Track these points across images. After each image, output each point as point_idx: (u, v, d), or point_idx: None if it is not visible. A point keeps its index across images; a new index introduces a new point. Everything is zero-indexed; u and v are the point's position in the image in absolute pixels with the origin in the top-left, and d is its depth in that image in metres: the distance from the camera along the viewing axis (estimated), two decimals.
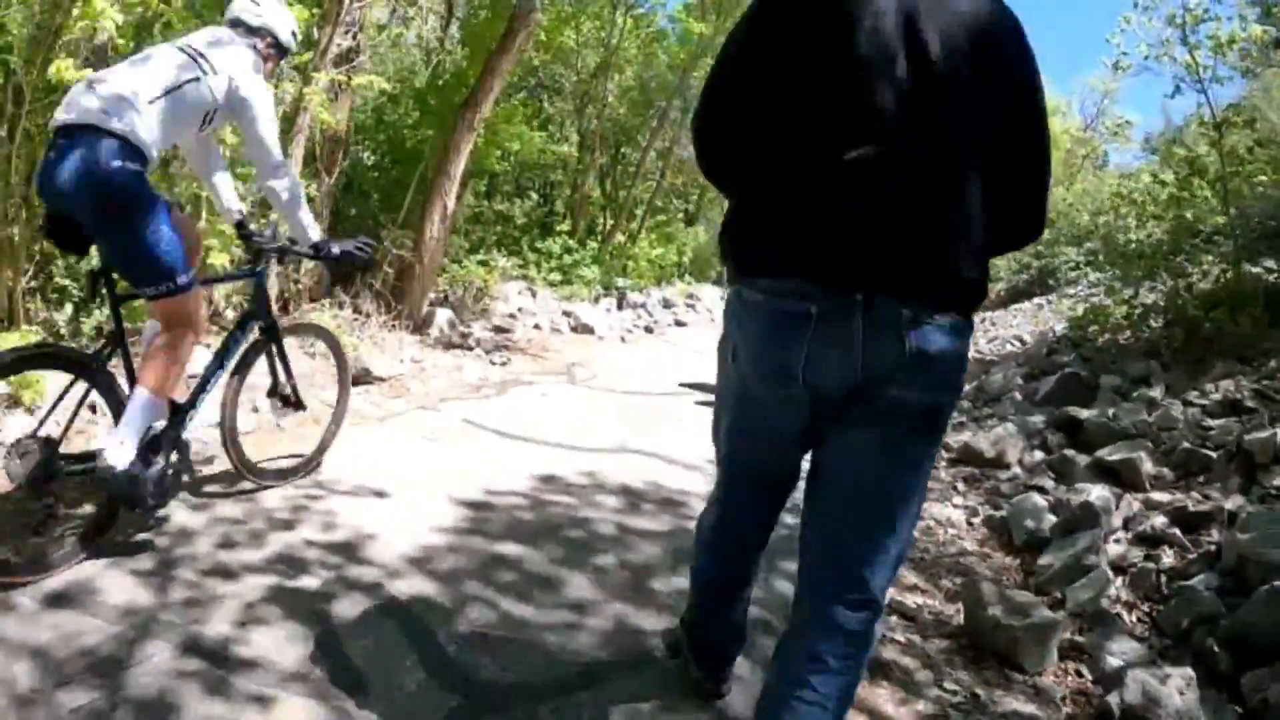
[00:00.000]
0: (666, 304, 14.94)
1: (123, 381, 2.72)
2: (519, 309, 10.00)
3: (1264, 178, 7.84)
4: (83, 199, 2.46)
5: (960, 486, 4.93)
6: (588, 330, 9.82)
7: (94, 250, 2.82)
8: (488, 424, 5.02)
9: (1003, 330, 11.10)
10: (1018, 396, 7.31)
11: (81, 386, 2.60)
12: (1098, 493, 4.06)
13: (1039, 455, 5.52)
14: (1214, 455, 4.47)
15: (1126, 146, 20.71)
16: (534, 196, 16.65)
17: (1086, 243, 15.13)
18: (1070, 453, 5.18)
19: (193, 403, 2.94)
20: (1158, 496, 4.19)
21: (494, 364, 6.98)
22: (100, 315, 4.45)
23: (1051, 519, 3.98)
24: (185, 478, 3.22)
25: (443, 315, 7.72)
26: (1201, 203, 8.20)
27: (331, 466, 3.76)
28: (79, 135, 2.44)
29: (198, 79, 2.68)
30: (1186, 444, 4.64)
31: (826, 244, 1.41)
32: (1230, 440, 4.58)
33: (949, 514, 4.38)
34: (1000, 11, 1.49)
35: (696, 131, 1.66)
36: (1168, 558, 3.53)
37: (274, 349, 3.37)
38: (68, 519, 2.78)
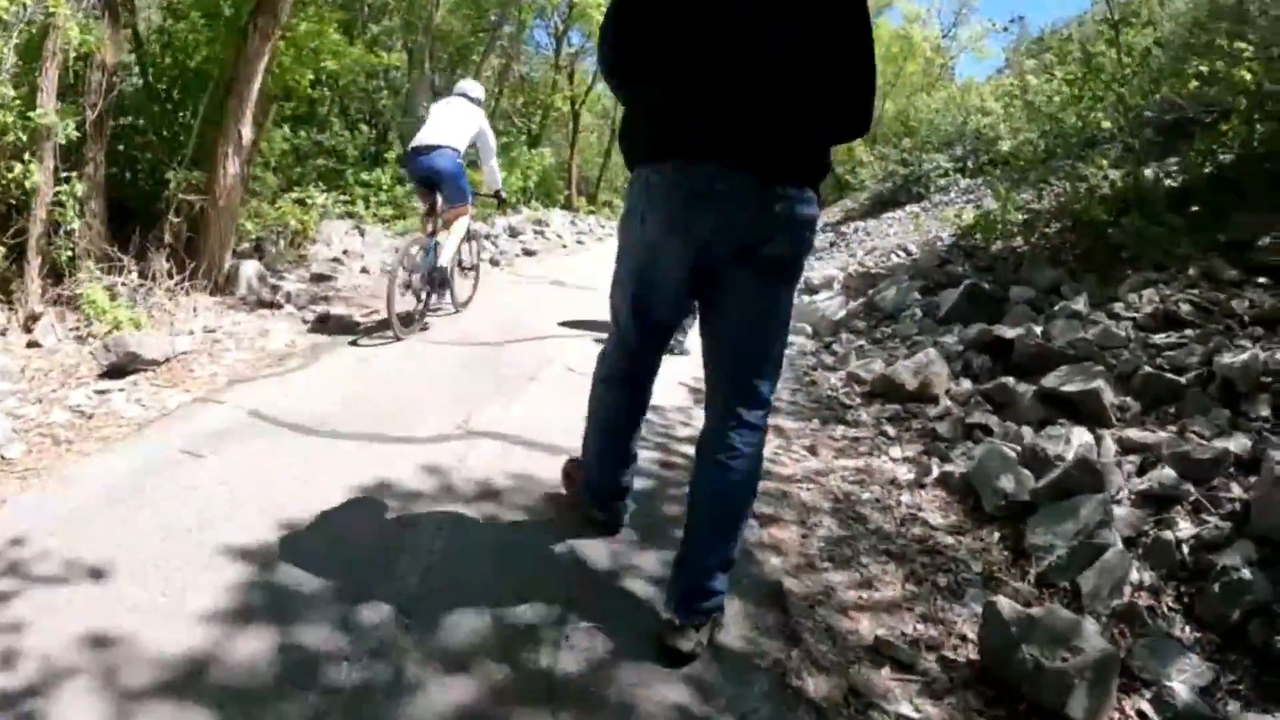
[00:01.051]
0: (513, 232, 13.59)
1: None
2: (345, 251, 8.47)
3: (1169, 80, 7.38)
4: (438, 175, 5.63)
5: (890, 431, 4.11)
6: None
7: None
8: (284, 415, 3.67)
9: (881, 241, 10.55)
10: (918, 314, 6.65)
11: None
12: (1081, 439, 3.31)
13: (967, 384, 4.81)
14: (1181, 381, 3.82)
15: (984, 57, 20.67)
16: (364, 129, 14.68)
17: (951, 148, 14.90)
18: (1009, 381, 4.48)
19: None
20: (1134, 435, 3.51)
21: (306, 323, 5.62)
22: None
23: (1028, 476, 3.19)
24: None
25: (249, 268, 6.26)
26: (1094, 103, 7.70)
27: (42, 525, 2.48)
28: (433, 149, 5.59)
29: (476, 117, 5.97)
30: (1147, 368, 3.98)
31: (721, 133, 1.91)
32: (1194, 362, 3.97)
33: (892, 471, 3.54)
34: None
35: (609, 41, 2.08)
36: (1185, 523, 2.80)
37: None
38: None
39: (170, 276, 5.59)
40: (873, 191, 16.45)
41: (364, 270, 7.97)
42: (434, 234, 5.73)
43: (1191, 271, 5.34)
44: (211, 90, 6.21)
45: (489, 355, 5.10)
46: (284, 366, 4.51)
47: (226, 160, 5.80)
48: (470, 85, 6.22)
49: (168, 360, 4.24)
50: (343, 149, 13.11)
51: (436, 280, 5.65)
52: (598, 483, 2.60)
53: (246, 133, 5.85)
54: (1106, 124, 7.72)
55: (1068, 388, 4.02)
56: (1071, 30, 13.62)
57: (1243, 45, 6.13)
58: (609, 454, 2.54)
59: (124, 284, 5.17)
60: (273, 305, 5.84)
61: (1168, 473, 2.99)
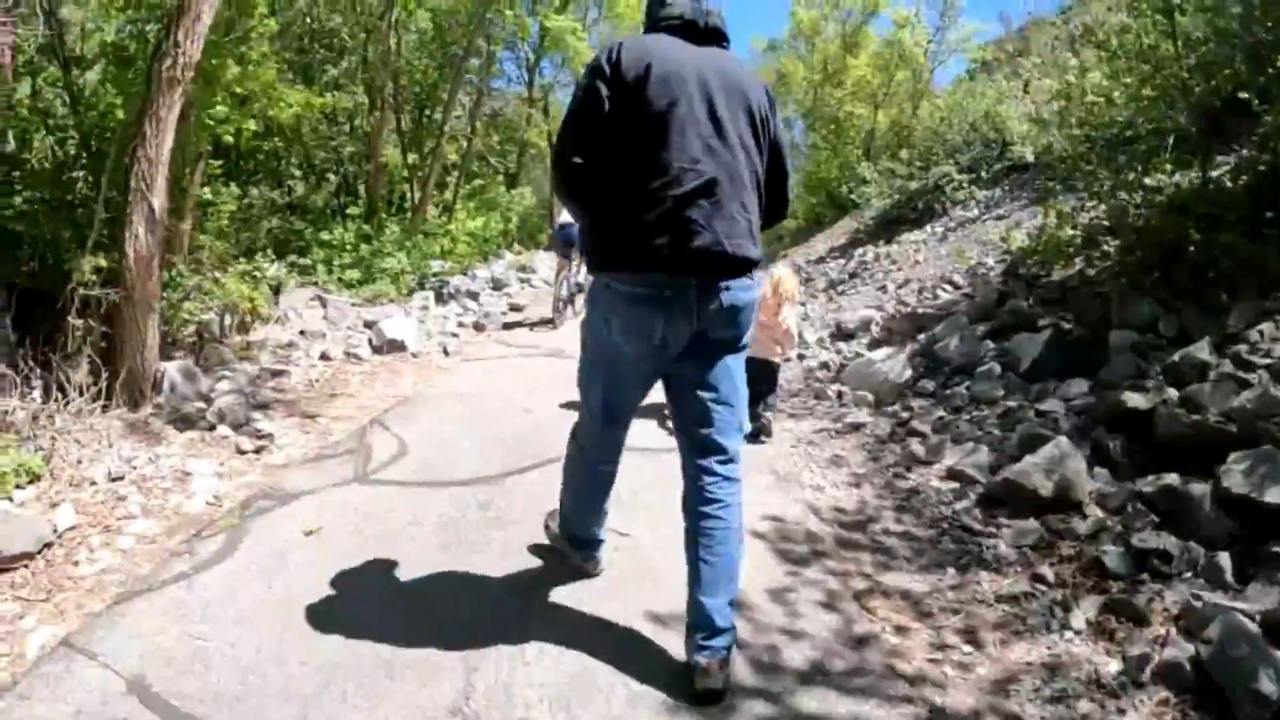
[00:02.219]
0: (497, 285, 12.64)
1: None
2: (302, 331, 7.42)
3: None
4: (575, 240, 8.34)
5: (1046, 573, 3.04)
6: (396, 348, 7.48)
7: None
8: (176, 688, 2.30)
9: (912, 270, 9.57)
10: (996, 369, 5.65)
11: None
12: None
13: (1107, 479, 3.79)
14: None
15: (975, 56, 19.79)
16: (331, 179, 13.74)
17: (957, 156, 13.96)
18: (1172, 480, 3.47)
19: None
20: None
21: (243, 452, 4.43)
22: None
23: None
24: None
25: (174, 373, 5.17)
26: (1156, 99, 6.74)
27: None
28: (570, 224, 8.58)
29: None
30: None
31: (669, 248, 2.23)
32: None
33: (1089, 663, 2.48)
34: (758, 77, 2.58)
35: (564, 164, 2.36)
36: None
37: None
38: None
39: (82, 391, 4.52)
40: (879, 210, 15.48)
41: (324, 356, 6.92)
42: (566, 268, 9.60)
43: None
44: (115, 154, 5.16)
45: (495, 503, 3.72)
46: (195, 557, 3.09)
47: (136, 240, 4.70)
48: None
49: (43, 550, 3.10)
50: (301, 204, 12.15)
51: (575, 293, 9.59)
52: (576, 537, 2.97)
53: (158, 203, 4.76)
54: (1164, 122, 6.75)
55: (1272, 497, 3.02)
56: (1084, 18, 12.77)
57: None
58: (585, 513, 2.90)
59: (22, 406, 4.10)
60: (198, 424, 4.71)
61: None
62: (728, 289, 2.31)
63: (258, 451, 4.41)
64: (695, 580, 2.34)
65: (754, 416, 4.74)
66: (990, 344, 6.18)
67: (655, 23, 2.44)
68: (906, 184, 14.48)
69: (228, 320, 6.63)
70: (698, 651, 2.27)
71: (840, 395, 5.94)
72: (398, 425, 4.91)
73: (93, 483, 3.72)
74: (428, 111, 15.74)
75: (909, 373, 5.98)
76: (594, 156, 2.30)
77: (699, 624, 2.29)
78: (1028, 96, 13.35)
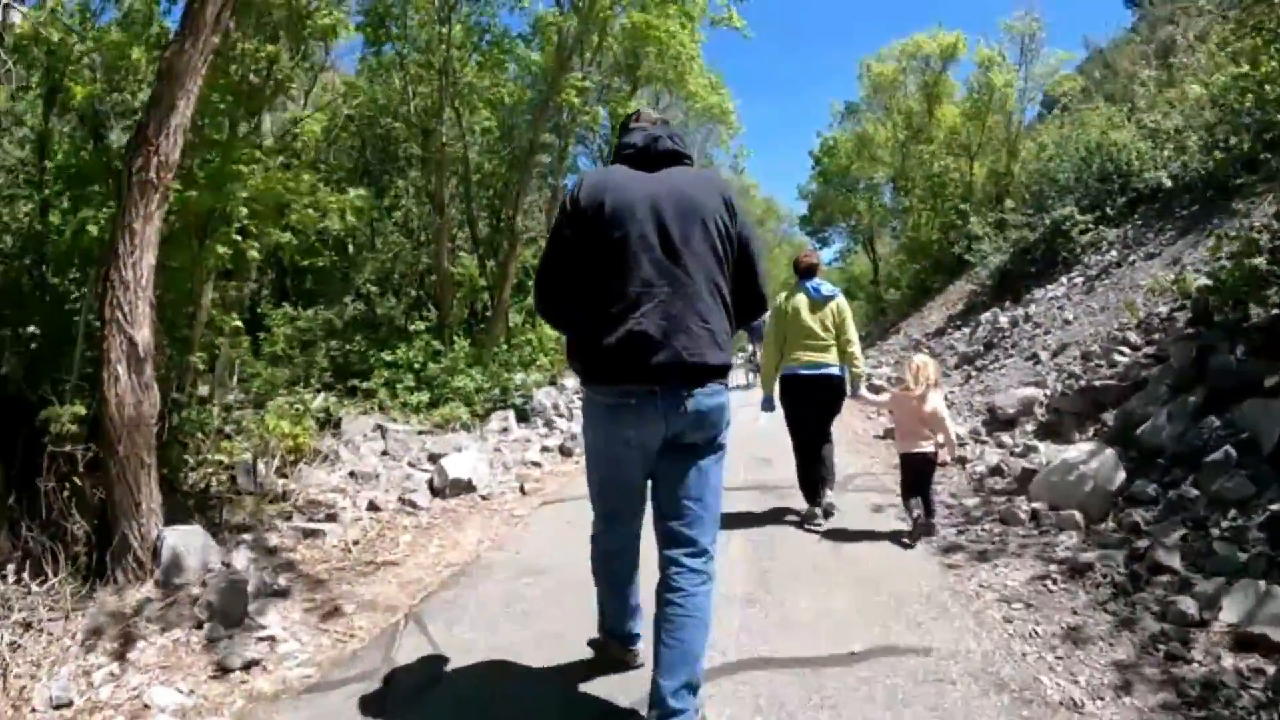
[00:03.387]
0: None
1: None
2: (352, 473, 6.61)
3: None
4: None
5: None
6: (462, 489, 6.38)
7: None
8: None
9: (1064, 331, 8.21)
10: (1231, 454, 4.39)
11: None
12: None
13: None
14: None
15: (1066, 90, 18.37)
16: (400, 295, 13.50)
17: (1071, 195, 12.62)
18: None
19: None
20: None
21: (226, 671, 3.27)
22: None
23: None
24: None
25: (175, 541, 4.01)
26: None
27: None
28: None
29: None
30: None
31: (632, 364, 2.43)
32: None
33: None
34: (717, 188, 2.61)
35: (539, 293, 2.70)
36: None
37: None
38: None
39: (75, 562, 3.73)
40: (996, 266, 14.18)
41: (372, 506, 5.87)
42: None
43: None
44: (94, 278, 4.47)
45: None
46: None
47: (115, 382, 3.87)
48: None
49: None
50: (366, 322, 11.76)
51: None
52: (613, 630, 3.06)
53: (141, 335, 3.93)
54: None
55: None
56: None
57: None
58: (615, 608, 3.02)
59: None
60: (187, 620, 3.61)
61: None
62: (692, 396, 2.47)
63: (247, 668, 3.29)
64: (656, 663, 2.45)
65: (911, 511, 4.60)
66: (1214, 420, 4.88)
67: (617, 153, 2.73)
68: (1024, 234, 13.20)
69: (262, 466, 5.85)
70: None
71: (1036, 515, 4.73)
72: (440, 625, 3.70)
73: (33, 710, 2.89)
74: (502, 215, 15.55)
75: (1121, 474, 4.73)
76: (565, 285, 2.59)
77: (654, 703, 2.39)
78: (1150, 114, 12.07)
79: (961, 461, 6.28)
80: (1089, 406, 6.36)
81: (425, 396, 9.70)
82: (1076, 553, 4.13)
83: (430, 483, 6.52)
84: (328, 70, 14.67)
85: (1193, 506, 4.27)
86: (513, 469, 7.35)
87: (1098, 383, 6.37)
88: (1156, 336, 6.58)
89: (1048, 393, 7.02)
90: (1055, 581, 3.83)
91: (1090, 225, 11.64)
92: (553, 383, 12.79)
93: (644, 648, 2.92)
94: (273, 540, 4.98)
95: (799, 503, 5.22)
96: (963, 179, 19.81)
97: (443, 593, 4.20)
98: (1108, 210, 11.77)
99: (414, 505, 6.02)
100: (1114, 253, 10.28)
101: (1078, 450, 4.94)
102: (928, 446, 4.64)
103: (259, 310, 11.61)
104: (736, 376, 9.41)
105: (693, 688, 2.43)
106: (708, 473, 2.59)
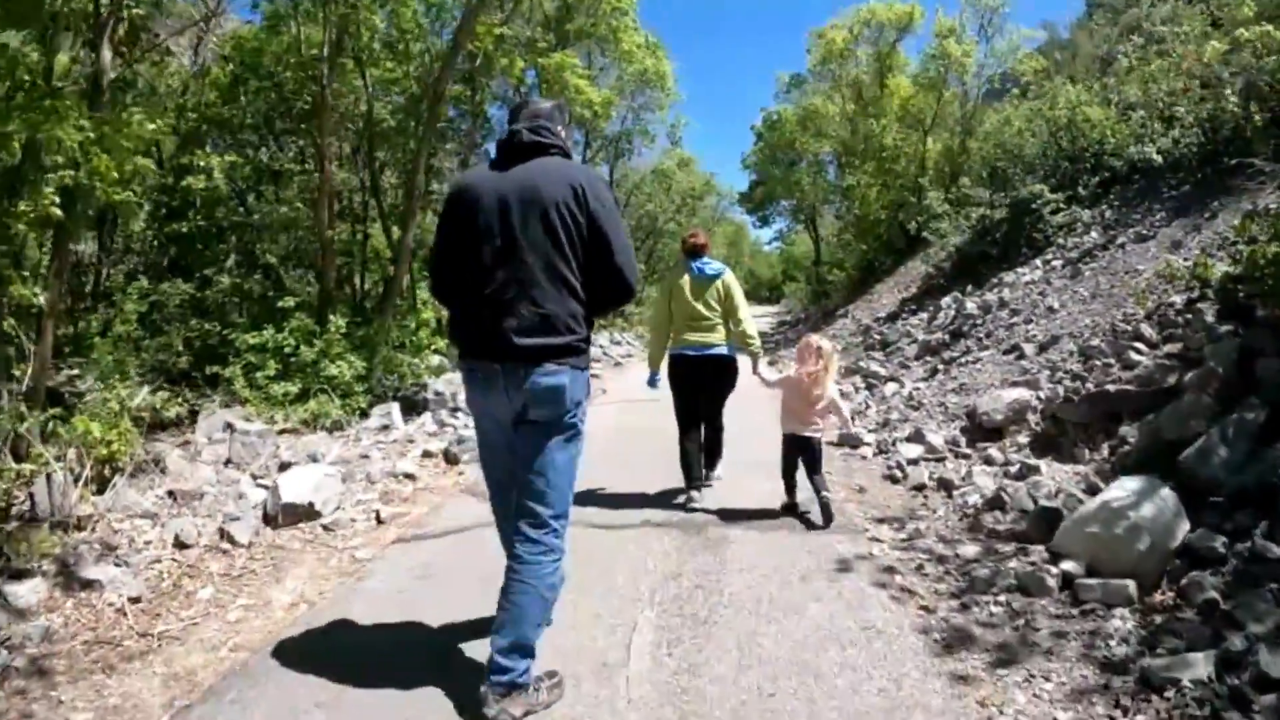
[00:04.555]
0: None
1: None
2: (170, 493, 4.96)
3: None
4: None
5: None
6: (301, 515, 4.84)
7: None
8: None
9: (1063, 325, 6.87)
10: None
11: None
12: None
13: None
14: None
15: (1028, 69, 17.27)
16: (282, 269, 11.70)
17: (1036, 173, 11.56)
18: None
19: None
20: None
21: None
22: None
23: None
24: None
25: None
26: None
27: None
28: None
29: None
30: None
31: (479, 339, 2.70)
32: None
33: None
34: (566, 177, 2.68)
35: (431, 277, 3.01)
36: None
37: None
38: None
39: None
40: (957, 246, 13.03)
41: (179, 543, 4.30)
42: None
43: None
44: None
45: None
46: None
47: None
48: None
49: None
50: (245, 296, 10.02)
51: None
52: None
53: None
54: None
55: None
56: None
57: None
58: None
59: None
60: None
61: None
62: (528, 374, 2.62)
63: None
64: (495, 624, 2.64)
65: (789, 489, 4.73)
66: (1252, 416, 3.65)
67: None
68: (988, 213, 12.05)
69: (63, 480, 4.26)
70: (483, 682, 2.59)
71: (1069, 582, 3.40)
72: None
73: None
74: (395, 169, 13.81)
75: (1185, 525, 3.44)
76: (442, 270, 2.90)
77: (489, 660, 2.60)
78: (1131, 87, 10.96)
79: (947, 487, 4.95)
80: (1100, 417, 5.10)
81: (294, 387, 7.97)
82: (1141, 652, 2.82)
83: (265, 505, 4.95)
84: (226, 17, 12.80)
85: (1277, 569, 3.04)
86: (378, 483, 5.76)
87: (1111, 387, 5.10)
88: (1178, 332, 5.34)
89: (1042, 396, 5.75)
90: (1116, 705, 2.50)
91: (1062, 205, 10.54)
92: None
93: None
94: (36, 594, 3.49)
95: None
96: (915, 154, 18.64)
97: (211, 703, 2.73)
98: (1080, 190, 10.69)
99: (232, 540, 4.46)
100: (1094, 234, 9.13)
101: (1122, 490, 3.60)
102: (813, 432, 4.61)
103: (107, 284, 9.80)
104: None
105: (522, 650, 2.61)
106: (552, 450, 2.71)
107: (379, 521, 4.92)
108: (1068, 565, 3.45)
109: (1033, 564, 3.60)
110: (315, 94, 10.21)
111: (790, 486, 4.68)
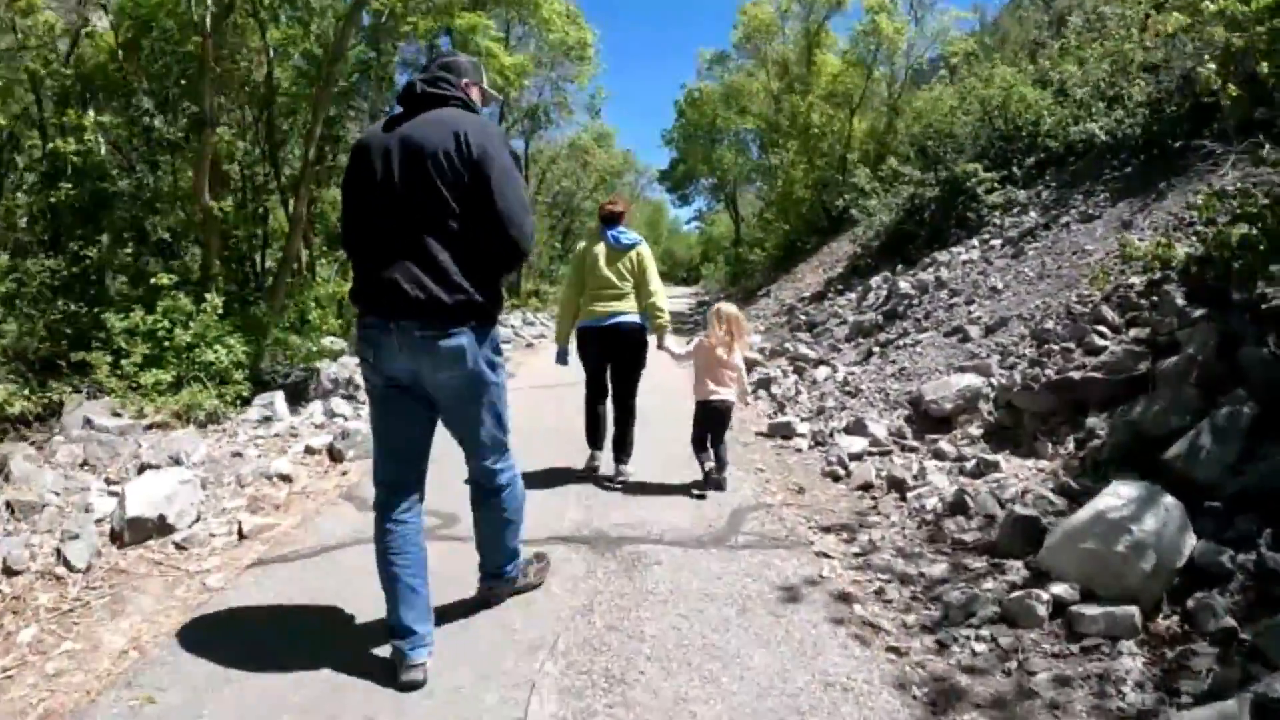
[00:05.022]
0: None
1: None
2: (8, 504, 4.05)
3: None
4: None
5: None
6: (150, 531, 3.99)
7: None
8: None
9: (1010, 306, 6.40)
10: None
11: None
12: None
13: None
14: None
15: (958, 50, 17.04)
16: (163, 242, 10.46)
17: (967, 152, 11.28)
18: None
19: None
20: None
21: None
22: None
23: None
24: None
25: None
26: None
27: None
28: None
29: None
30: None
31: (372, 296, 2.61)
32: None
33: None
34: (450, 126, 2.56)
35: (343, 237, 2.84)
36: None
37: None
38: None
39: None
40: (885, 225, 12.66)
41: (6, 569, 3.46)
42: None
43: None
44: None
45: None
46: None
47: None
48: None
49: None
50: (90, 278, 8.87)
51: None
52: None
53: None
54: None
55: None
56: None
57: None
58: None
59: None
60: None
61: None
62: (418, 332, 2.55)
63: None
64: (478, 539, 3.02)
65: (703, 463, 4.61)
66: None
67: None
68: (921, 191, 11.68)
69: None
70: (483, 578, 3.06)
71: (1060, 609, 2.84)
72: None
73: None
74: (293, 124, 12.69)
75: (1191, 539, 2.92)
76: (346, 228, 2.81)
77: (482, 569, 3.06)
78: (1064, 71, 10.72)
79: (898, 487, 4.36)
80: (1062, 405, 4.62)
81: (167, 375, 6.90)
82: (1161, 700, 2.28)
83: (114, 519, 4.05)
84: None
85: None
86: (249, 487, 4.89)
87: (1076, 374, 4.62)
88: (1143, 315, 4.90)
89: (994, 382, 5.26)
90: None
91: (997, 184, 10.22)
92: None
93: None
94: None
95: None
96: (842, 133, 18.27)
97: None
98: (1014, 170, 10.40)
99: (67, 565, 3.61)
100: (1033, 214, 8.79)
101: (1116, 498, 3.04)
102: (727, 394, 4.60)
103: None
104: None
105: (512, 555, 3.01)
106: (468, 406, 2.71)
107: (241, 537, 4.06)
108: (1059, 589, 2.88)
109: (1011, 583, 3.04)
110: (196, 45, 8.99)
111: (703, 457, 4.60)
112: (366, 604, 2.94)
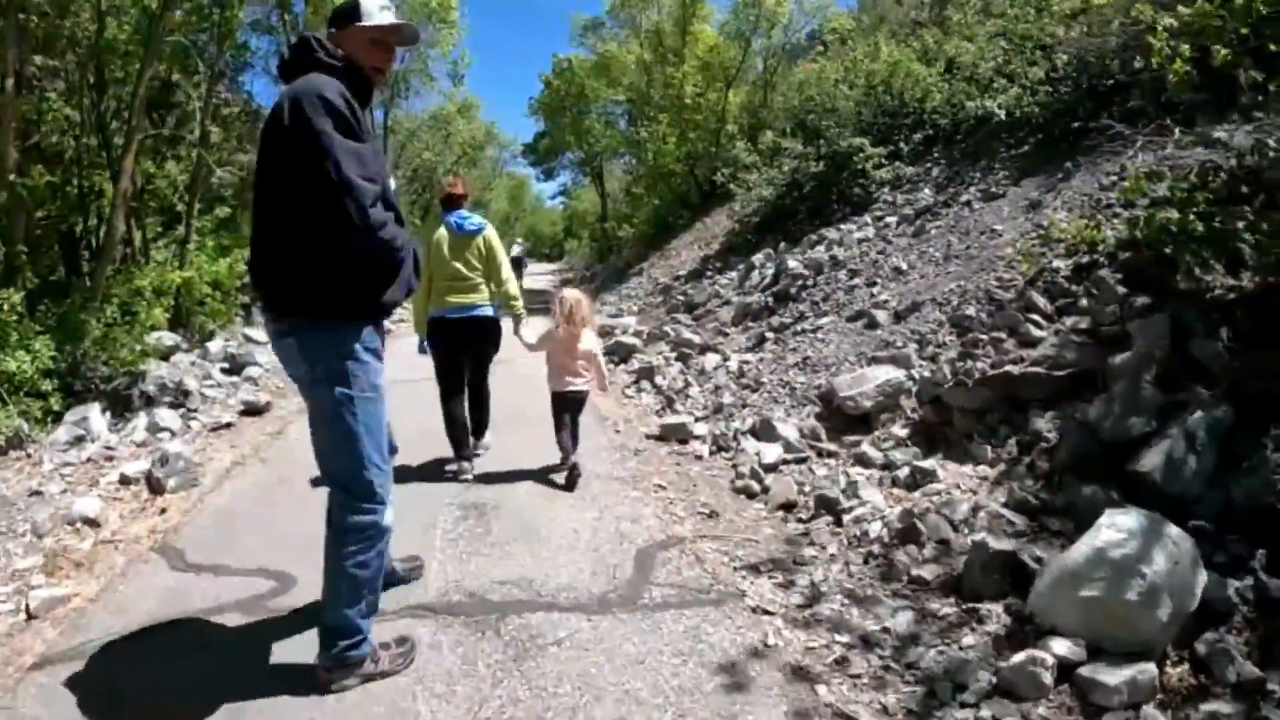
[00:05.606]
0: (235, 366, 8.08)
1: None
2: None
3: None
4: None
5: None
6: None
7: None
8: None
9: (923, 290, 6.01)
10: None
11: None
12: None
13: None
14: None
15: (839, 26, 16.92)
16: None
17: (852, 127, 11.03)
18: None
19: None
20: None
21: None
22: None
23: None
24: None
25: None
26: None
27: None
28: None
29: None
30: None
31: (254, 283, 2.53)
32: None
33: None
34: (287, 93, 2.34)
35: None
36: None
37: None
38: None
39: None
40: (765, 201, 12.28)
41: None
42: None
43: None
44: None
45: None
46: None
47: None
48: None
49: None
50: None
51: None
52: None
53: None
54: None
55: None
56: None
57: None
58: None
59: None
60: None
61: None
62: (271, 325, 2.47)
63: None
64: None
65: (566, 455, 4.57)
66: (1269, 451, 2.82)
67: None
68: (805, 166, 11.32)
69: None
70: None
71: (1067, 673, 2.31)
72: None
73: None
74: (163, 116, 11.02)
75: (1203, 577, 2.46)
76: None
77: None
78: (959, 48, 10.58)
79: (829, 508, 3.77)
80: (999, 402, 4.20)
81: None
82: None
83: None
84: None
85: None
86: (47, 537, 3.82)
87: (1014, 369, 4.19)
88: (1078, 303, 4.53)
89: (916, 375, 4.79)
90: None
91: (884, 160, 9.97)
92: (203, 345, 8.91)
93: None
94: None
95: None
96: (717, 105, 17.84)
97: None
98: (900, 146, 10.20)
99: None
100: (927, 192, 8.53)
101: (1116, 531, 2.53)
102: (580, 384, 4.63)
103: None
104: None
105: (337, 632, 2.50)
106: (322, 410, 2.44)
107: (29, 617, 3.05)
108: (1061, 648, 2.35)
109: (994, 635, 2.51)
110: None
111: (562, 438, 4.61)
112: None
